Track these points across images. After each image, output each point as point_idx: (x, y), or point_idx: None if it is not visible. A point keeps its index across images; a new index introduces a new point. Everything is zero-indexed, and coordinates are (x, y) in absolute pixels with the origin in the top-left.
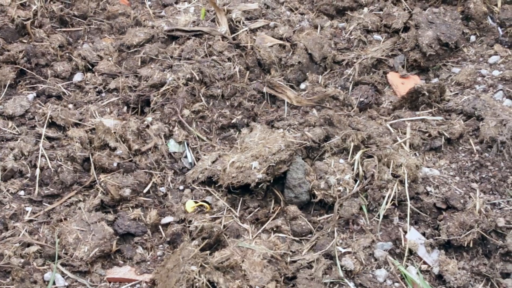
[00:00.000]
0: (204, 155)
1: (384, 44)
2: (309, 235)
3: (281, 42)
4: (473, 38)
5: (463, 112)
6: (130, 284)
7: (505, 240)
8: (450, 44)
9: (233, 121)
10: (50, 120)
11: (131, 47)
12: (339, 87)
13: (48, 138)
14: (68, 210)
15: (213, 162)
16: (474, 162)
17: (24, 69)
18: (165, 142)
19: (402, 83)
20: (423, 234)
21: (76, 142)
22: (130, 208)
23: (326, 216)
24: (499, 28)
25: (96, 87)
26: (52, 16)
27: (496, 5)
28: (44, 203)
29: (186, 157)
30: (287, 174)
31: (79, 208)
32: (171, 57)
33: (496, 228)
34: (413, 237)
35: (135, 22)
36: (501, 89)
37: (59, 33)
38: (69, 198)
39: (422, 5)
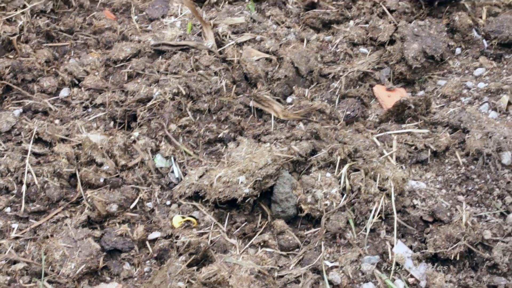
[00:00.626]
0: (191, 170)
1: (370, 57)
2: (297, 250)
3: (267, 55)
4: (458, 50)
5: (449, 124)
6: None
7: (491, 252)
8: (436, 56)
9: (220, 136)
10: (36, 136)
11: (118, 61)
12: (326, 101)
13: (35, 154)
14: (54, 226)
15: (200, 177)
16: (460, 175)
17: (10, 84)
18: (152, 157)
19: (388, 96)
20: (410, 247)
21: (63, 158)
22: (117, 224)
23: (313, 230)
24: (484, 40)
25: (83, 102)
26: (38, 31)
27: (481, 17)
28: (30, 220)
29: (173, 172)
30: (274, 188)
31: (66, 225)
32: (158, 71)
33: (483, 240)
34: (400, 250)
35: (122, 37)
36: (486, 102)
37: (46, 48)
38: (56, 214)
39: (408, 18)
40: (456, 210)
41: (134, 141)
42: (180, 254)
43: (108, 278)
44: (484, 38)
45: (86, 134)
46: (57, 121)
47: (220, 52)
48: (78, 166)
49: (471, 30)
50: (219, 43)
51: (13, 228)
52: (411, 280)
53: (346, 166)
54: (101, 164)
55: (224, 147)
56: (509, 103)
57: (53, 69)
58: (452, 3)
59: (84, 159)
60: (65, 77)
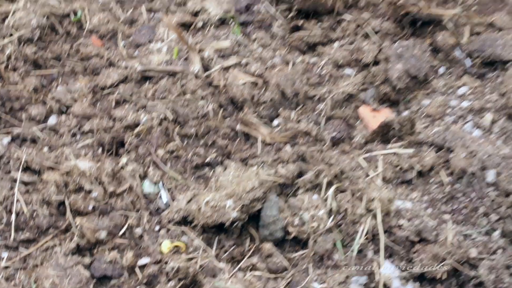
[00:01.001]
0: (179, 195)
1: (355, 78)
2: (285, 272)
3: (253, 79)
4: (442, 70)
5: (434, 144)
6: None
7: (478, 271)
8: (419, 76)
9: (207, 160)
10: (25, 165)
11: (105, 88)
12: (312, 123)
13: (24, 182)
14: (44, 254)
15: (188, 201)
16: (445, 194)
17: None
18: (140, 183)
19: (374, 117)
20: (397, 267)
21: (52, 185)
22: (107, 251)
23: (301, 252)
24: (467, 59)
25: (71, 130)
26: (26, 59)
27: (463, 37)
28: (20, 249)
29: (161, 197)
30: (262, 211)
31: (55, 253)
32: (145, 97)
33: (469, 259)
34: (388, 270)
35: (109, 63)
36: (470, 120)
37: (33, 76)
38: (45, 242)
39: (392, 38)
40: (442, 229)
41: (122, 167)
42: (170, 280)
43: None
44: (467, 57)
45: (74, 161)
46: (45, 149)
47: (207, 76)
48: (67, 193)
49: (454, 49)
50: (206, 67)
51: (3, 258)
52: None
53: (332, 188)
54: (89, 191)
55: (212, 171)
56: (492, 121)
57: (41, 97)
58: (435, 23)
59: (73, 187)
60: (53, 104)
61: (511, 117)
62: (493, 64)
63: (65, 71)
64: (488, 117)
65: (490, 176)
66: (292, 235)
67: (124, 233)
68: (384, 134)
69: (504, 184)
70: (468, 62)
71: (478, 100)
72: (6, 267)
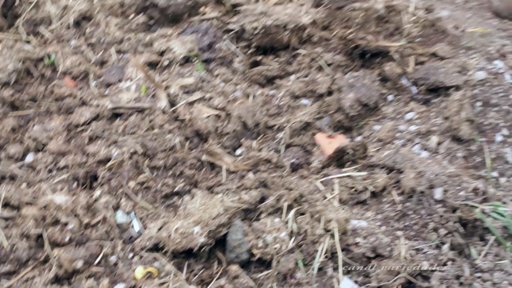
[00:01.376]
0: (151, 223)
1: (311, 108)
2: None
3: (216, 112)
4: (390, 97)
5: (385, 166)
6: None
7: (430, 282)
8: (370, 104)
9: (176, 189)
10: (5, 201)
11: (79, 126)
12: (272, 151)
13: (3, 218)
14: (25, 285)
15: (159, 229)
16: (397, 212)
17: None
18: (114, 213)
19: (329, 143)
20: (356, 282)
21: (30, 220)
22: (84, 279)
23: (265, 272)
24: (413, 87)
25: (47, 166)
26: (3, 101)
27: (409, 66)
28: (2, 281)
29: (133, 226)
30: (227, 236)
31: (35, 283)
32: (116, 132)
33: (421, 271)
34: (347, 286)
35: (82, 102)
36: (418, 143)
37: (11, 117)
38: (26, 274)
39: (343, 70)
40: (396, 244)
41: (96, 200)
42: None
43: None
44: (413, 85)
45: (51, 196)
46: (24, 185)
47: (173, 111)
48: (44, 226)
49: (401, 78)
50: (172, 103)
51: None
52: None
53: (292, 211)
54: (66, 224)
55: (180, 200)
56: (438, 143)
57: (19, 136)
58: (382, 55)
59: (50, 220)
60: (30, 143)
61: (455, 139)
62: (436, 90)
63: (40, 111)
64: (434, 139)
65: (438, 193)
66: (257, 257)
67: (99, 262)
68: (339, 158)
69: (451, 200)
70: (414, 90)
71: (425, 124)
72: None
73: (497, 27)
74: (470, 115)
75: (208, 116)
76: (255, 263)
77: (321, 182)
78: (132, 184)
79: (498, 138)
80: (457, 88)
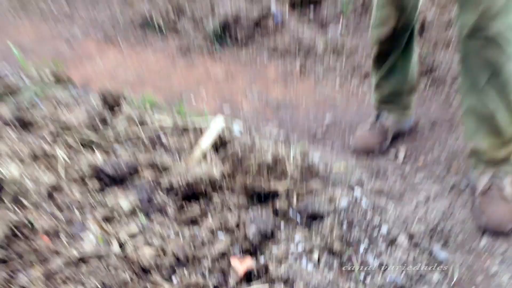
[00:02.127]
0: None
1: (225, 239)
2: None
3: (156, 252)
4: (282, 225)
5: (282, 279)
6: None
7: None
8: (268, 233)
9: None
10: None
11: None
12: (200, 275)
13: None
14: None
15: None
16: None
17: None
18: None
19: (241, 264)
20: None
21: None
22: None
23: None
24: (298, 216)
25: None
26: None
27: (294, 201)
28: None
29: None
30: None
31: None
32: (83, 275)
33: None
34: None
35: (55, 252)
36: (305, 258)
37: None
38: None
39: (246, 208)
40: None
41: None
42: None
43: None
44: (298, 215)
45: None
46: None
47: (124, 254)
48: None
49: (289, 210)
50: (122, 247)
51: None
52: None
53: None
54: None
55: None
56: (319, 257)
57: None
58: (273, 194)
59: None
60: None
61: (330, 252)
62: (315, 217)
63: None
64: (315, 254)
65: None
66: None
67: None
68: (248, 276)
69: None
70: (298, 218)
71: (308, 243)
72: None
73: (356, 162)
74: (339, 233)
75: (150, 255)
76: None
77: None
78: None
79: (361, 248)
80: (328, 214)
